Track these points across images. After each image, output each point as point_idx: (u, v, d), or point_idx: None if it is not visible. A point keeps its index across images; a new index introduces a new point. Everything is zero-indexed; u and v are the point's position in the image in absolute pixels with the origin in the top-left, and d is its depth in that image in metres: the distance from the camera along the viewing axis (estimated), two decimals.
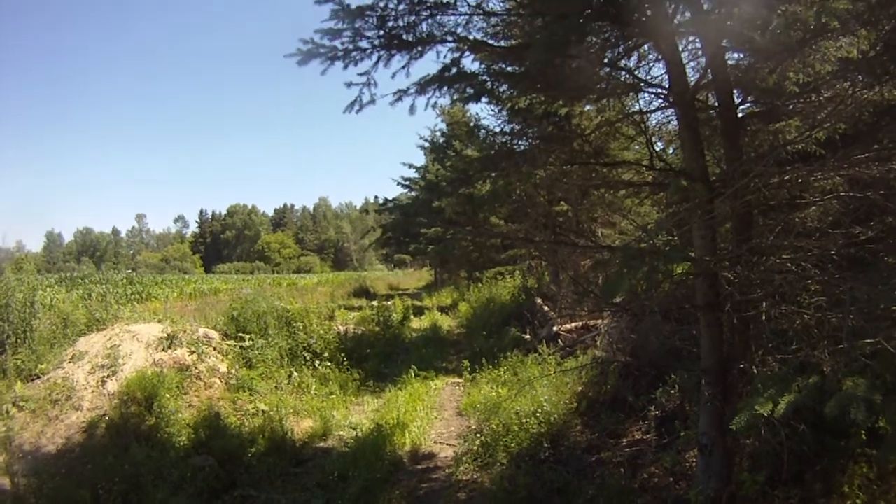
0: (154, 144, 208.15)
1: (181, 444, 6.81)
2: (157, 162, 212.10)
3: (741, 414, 3.30)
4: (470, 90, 5.26)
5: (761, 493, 3.99)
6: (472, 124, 13.24)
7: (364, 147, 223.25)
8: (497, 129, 7.53)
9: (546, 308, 13.00)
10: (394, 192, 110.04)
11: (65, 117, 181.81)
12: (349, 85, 5.12)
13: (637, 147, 7.31)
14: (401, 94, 5.11)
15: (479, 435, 6.85)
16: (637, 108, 5.73)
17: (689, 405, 5.60)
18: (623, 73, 5.05)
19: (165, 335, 8.93)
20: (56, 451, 6.47)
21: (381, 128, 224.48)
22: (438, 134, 26.58)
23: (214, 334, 10.09)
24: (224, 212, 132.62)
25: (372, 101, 5.20)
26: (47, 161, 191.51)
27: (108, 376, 7.70)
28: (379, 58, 4.98)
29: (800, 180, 4.07)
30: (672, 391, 5.91)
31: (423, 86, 5.01)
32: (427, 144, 28.62)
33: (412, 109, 5.26)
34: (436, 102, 5.30)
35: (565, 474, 5.60)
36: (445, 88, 5.12)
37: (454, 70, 4.98)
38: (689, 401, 5.56)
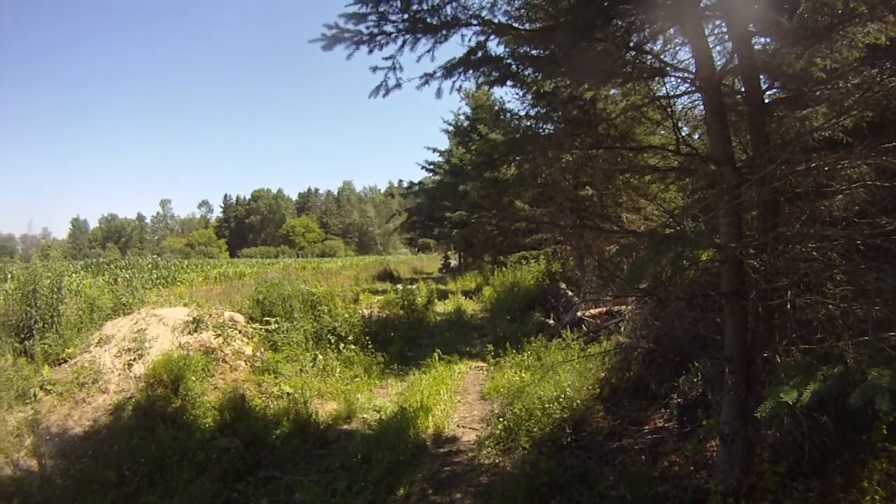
0: (179, 131, 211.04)
1: (206, 425, 6.92)
2: (182, 147, 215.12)
3: (766, 401, 3.26)
4: (495, 73, 5.26)
5: (781, 484, 3.96)
6: (496, 108, 13.15)
7: (389, 132, 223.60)
8: (522, 113, 7.48)
9: (570, 293, 12.94)
10: (419, 176, 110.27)
11: (89, 104, 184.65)
12: (374, 69, 5.13)
13: (663, 132, 7.23)
14: (427, 78, 5.12)
15: (501, 419, 6.87)
16: (663, 92, 5.66)
17: (711, 394, 5.55)
18: (649, 56, 4.97)
19: (191, 319, 9.06)
20: (83, 433, 6.59)
21: (406, 112, 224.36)
22: (463, 118, 26.49)
23: (240, 317, 10.22)
24: (248, 196, 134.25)
25: (398, 86, 5.20)
26: (72, 149, 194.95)
27: (134, 359, 7.83)
28: (404, 42, 4.97)
29: (826, 168, 3.99)
30: (695, 379, 5.86)
31: (449, 69, 5.01)
32: (451, 129, 28.54)
33: (439, 93, 5.26)
34: (461, 86, 5.30)
35: (587, 460, 5.61)
36: (471, 72, 5.12)
37: (479, 53, 4.98)
38: (712, 389, 5.50)
